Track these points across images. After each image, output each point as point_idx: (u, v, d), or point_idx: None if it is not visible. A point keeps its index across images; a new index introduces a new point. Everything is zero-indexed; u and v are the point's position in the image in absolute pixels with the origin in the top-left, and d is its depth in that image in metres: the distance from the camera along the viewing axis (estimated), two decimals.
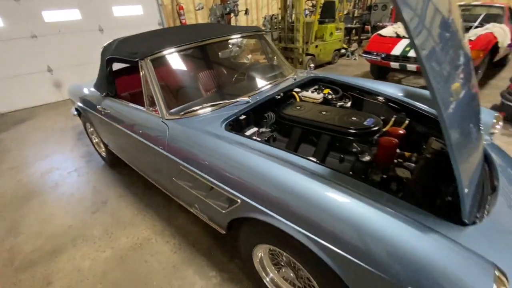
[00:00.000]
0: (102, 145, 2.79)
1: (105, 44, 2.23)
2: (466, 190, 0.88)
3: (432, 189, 1.23)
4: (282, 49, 6.30)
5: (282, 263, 1.34)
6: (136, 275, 1.73)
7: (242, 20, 7.24)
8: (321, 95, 2.02)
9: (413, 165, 1.38)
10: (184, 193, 1.60)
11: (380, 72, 5.02)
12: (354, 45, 7.96)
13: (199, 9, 5.50)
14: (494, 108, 3.41)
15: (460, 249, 0.81)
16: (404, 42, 4.19)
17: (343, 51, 7.21)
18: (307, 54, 6.02)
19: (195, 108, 1.64)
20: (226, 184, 1.23)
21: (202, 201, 1.46)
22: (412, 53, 4.01)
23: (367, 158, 1.47)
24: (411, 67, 4.06)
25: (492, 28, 4.00)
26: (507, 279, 0.77)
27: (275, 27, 6.61)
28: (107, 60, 2.08)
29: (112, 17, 5.62)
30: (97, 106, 2.25)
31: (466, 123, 1.08)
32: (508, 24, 4.47)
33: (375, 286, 0.87)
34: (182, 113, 1.63)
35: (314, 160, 1.22)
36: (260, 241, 1.29)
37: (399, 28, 4.79)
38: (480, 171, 1.23)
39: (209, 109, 1.66)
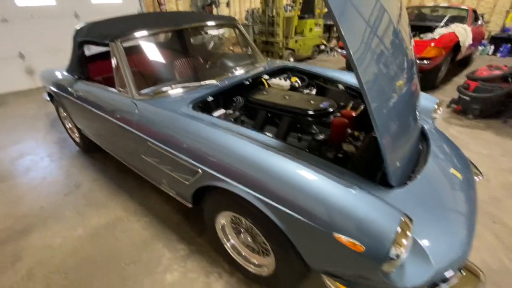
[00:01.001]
0: (75, 130, 2.79)
1: (77, 27, 2.24)
2: (389, 160, 1.04)
3: (373, 161, 1.40)
4: (263, 43, 6.40)
5: (241, 230, 1.47)
6: (107, 250, 1.80)
7: (224, 13, 7.26)
8: (288, 82, 2.16)
9: (360, 143, 1.55)
10: (152, 169, 1.69)
11: None
12: (334, 42, 8.20)
13: None
14: (452, 102, 3.71)
15: (377, 201, 0.96)
16: None
17: (322, 47, 7.42)
18: (287, 49, 6.16)
19: (164, 89, 1.72)
20: (189, 156, 1.33)
21: (168, 176, 1.55)
22: None
23: (321, 136, 1.63)
24: None
25: (455, 28, 4.31)
26: (412, 223, 0.93)
27: (257, 21, 6.69)
28: (79, 43, 2.10)
29: (89, 4, 5.48)
30: (69, 89, 2.26)
31: (405, 110, 1.27)
32: (471, 25, 4.81)
33: (308, 234, 1.02)
34: (151, 93, 1.70)
35: (270, 135, 1.35)
36: (221, 208, 1.40)
37: None
38: (414, 147, 1.41)
39: (178, 90, 1.74)
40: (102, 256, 1.76)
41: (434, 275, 1.00)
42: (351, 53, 0.90)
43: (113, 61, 1.79)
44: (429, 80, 4.37)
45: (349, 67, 5.31)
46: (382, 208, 0.94)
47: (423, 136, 1.63)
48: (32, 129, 3.55)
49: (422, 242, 1.04)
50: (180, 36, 2.43)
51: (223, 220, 1.50)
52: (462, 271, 1.10)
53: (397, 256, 0.88)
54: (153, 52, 2.01)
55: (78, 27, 2.23)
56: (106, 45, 1.80)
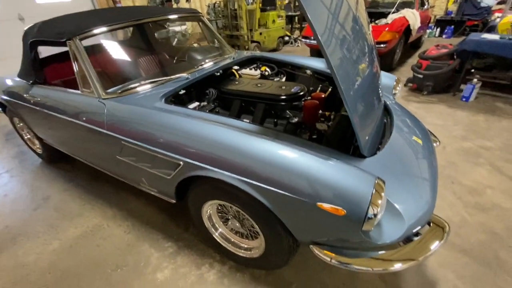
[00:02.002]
0: (36, 141, 2.58)
1: (26, 28, 2.06)
2: (360, 134, 1.14)
3: (345, 136, 1.50)
4: (228, 37, 6.36)
5: (228, 217, 1.50)
6: (89, 259, 1.72)
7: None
8: (258, 71, 2.20)
9: (331, 122, 1.64)
10: (130, 170, 1.63)
11: (319, 54, 5.44)
12: (297, 33, 8.38)
13: None
14: (408, 81, 4.02)
15: (353, 169, 1.04)
16: None
17: (286, 38, 7.56)
18: (252, 41, 6.19)
19: (132, 86, 1.67)
20: (167, 150, 1.32)
21: (148, 174, 1.52)
22: None
23: (295, 119, 1.70)
24: None
25: (405, 12, 4.65)
26: (384, 185, 1.02)
27: (219, 15, 6.61)
28: (30, 43, 1.93)
29: (34, 4, 5.00)
30: (25, 96, 2.08)
31: (369, 90, 1.38)
32: (418, 9, 5.22)
33: (295, 208, 1.07)
34: (120, 91, 1.64)
35: (247, 120, 1.38)
36: (206, 198, 1.41)
37: None
38: (380, 121, 1.53)
39: (148, 86, 1.70)
40: (84, 266, 1.68)
41: (407, 230, 1.11)
42: (319, 36, 0.96)
43: (73, 60, 1.69)
44: (387, 63, 4.68)
45: (314, 55, 5.50)
46: (358, 174, 1.02)
47: (386, 111, 1.77)
48: None
49: (394, 202, 1.15)
50: (143, 31, 2.35)
51: (209, 210, 1.51)
52: (430, 224, 1.23)
53: (374, 215, 0.97)
54: (116, 49, 1.93)
55: (27, 28, 2.06)
56: (63, 43, 1.69)
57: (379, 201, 0.97)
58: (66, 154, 2.33)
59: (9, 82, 2.32)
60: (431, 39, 7.41)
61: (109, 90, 1.65)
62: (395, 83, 2.01)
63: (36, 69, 2.01)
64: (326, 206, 1.00)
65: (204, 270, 1.60)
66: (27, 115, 2.24)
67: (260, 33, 6.31)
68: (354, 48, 1.27)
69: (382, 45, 4.20)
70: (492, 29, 4.49)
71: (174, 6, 6.20)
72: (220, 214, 1.56)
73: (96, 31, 1.72)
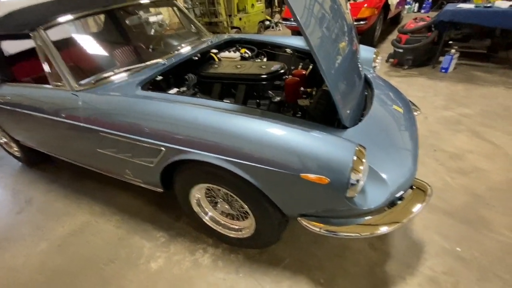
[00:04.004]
0: (12, 144, 2.47)
1: None
2: (342, 109, 1.16)
3: (327, 110, 1.50)
4: (207, 24, 6.18)
5: (218, 200, 1.49)
6: (79, 256, 1.69)
7: None
8: (238, 54, 2.15)
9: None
10: (112, 162, 1.59)
11: (300, 35, 5.38)
12: (277, 16, 8.24)
13: None
14: (390, 56, 4.05)
15: (334, 138, 1.05)
16: None
17: (267, 22, 7.42)
18: (233, 27, 6.05)
19: (106, 75, 1.60)
20: (148, 137, 1.28)
21: (131, 164, 1.48)
22: None
23: (278, 98, 1.68)
24: None
25: None
26: (365, 151, 1.03)
27: (196, 2, 6.40)
28: None
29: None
30: None
31: (349, 66, 1.39)
32: None
33: (281, 183, 1.08)
34: (93, 82, 1.57)
35: (228, 101, 1.35)
36: (193, 182, 1.40)
37: None
38: (361, 94, 1.54)
39: (123, 74, 1.63)
40: (75, 264, 1.65)
41: (391, 195, 1.14)
42: (298, 17, 0.96)
43: (40, 53, 1.60)
44: (368, 40, 4.68)
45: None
46: (338, 143, 1.03)
47: (367, 83, 1.78)
48: None
49: (377, 169, 1.17)
50: (116, 20, 2.23)
51: (197, 194, 1.50)
52: (412, 188, 1.26)
53: (357, 181, 0.98)
54: (87, 40, 1.85)
55: None
56: (27, 36, 1.59)
57: (361, 167, 0.98)
58: (46, 154, 2.24)
59: None
60: (410, 15, 7.44)
61: (82, 82, 1.58)
62: (374, 55, 2.01)
63: (2, 66, 1.90)
64: (309, 176, 1.00)
65: (198, 255, 1.61)
66: None
67: (240, 19, 6.17)
68: (333, 27, 1.27)
69: (362, 22, 4.19)
70: (467, 0, 4.54)
71: None
72: (209, 199, 1.55)
73: (61, 19, 1.62)
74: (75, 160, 1.96)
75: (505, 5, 3.08)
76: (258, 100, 1.74)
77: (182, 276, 1.51)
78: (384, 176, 1.16)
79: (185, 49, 2.00)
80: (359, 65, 1.64)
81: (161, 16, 3.02)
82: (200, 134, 1.16)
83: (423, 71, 3.73)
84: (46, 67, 1.61)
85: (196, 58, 1.96)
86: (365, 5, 4.22)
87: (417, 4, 7.61)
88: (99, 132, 1.45)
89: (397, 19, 6.33)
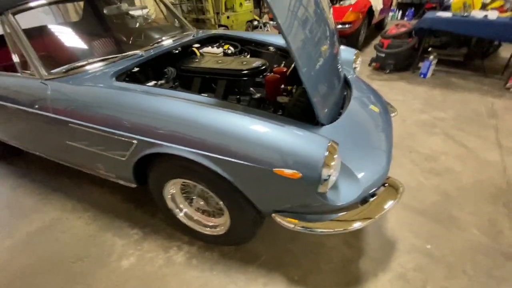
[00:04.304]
0: None
1: None
2: (319, 110, 1.19)
3: (307, 108, 1.51)
4: (194, 21, 6.11)
5: (193, 197, 1.46)
6: (47, 254, 1.61)
7: None
8: (221, 49, 2.12)
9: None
10: (83, 156, 1.53)
11: None
12: (266, 17, 8.26)
13: None
14: (372, 60, 4.15)
15: (307, 133, 1.05)
16: None
17: (255, 22, 7.42)
18: (220, 26, 6.01)
19: (79, 64, 1.53)
20: (119, 129, 1.24)
21: (102, 157, 1.42)
22: None
23: (258, 95, 1.67)
24: None
25: None
26: (338, 147, 1.04)
27: None
28: None
29: None
30: None
31: (329, 69, 1.42)
32: None
33: (254, 178, 1.07)
34: (65, 71, 1.50)
35: (205, 94, 1.33)
36: (166, 177, 1.36)
37: None
38: (339, 94, 1.56)
39: (98, 64, 1.57)
40: (42, 262, 1.57)
41: (363, 192, 1.15)
42: (279, 21, 0.99)
43: (8, 40, 1.51)
44: (352, 43, 4.77)
45: None
46: (311, 138, 1.03)
47: (346, 84, 1.80)
48: None
49: (351, 166, 1.18)
50: (96, 10, 2.15)
51: (172, 190, 1.46)
52: (385, 185, 1.28)
53: (329, 176, 0.99)
54: (62, 29, 1.79)
55: None
56: None
57: (332, 163, 0.99)
58: (15, 148, 2.12)
59: None
60: (394, 22, 7.67)
61: (53, 71, 1.50)
62: (354, 57, 2.04)
63: None
64: (282, 171, 0.99)
65: (172, 252, 1.57)
66: None
67: (228, 17, 6.13)
68: (315, 31, 1.28)
69: (347, 26, 4.27)
70: (447, 8, 4.73)
71: None
72: (185, 195, 1.51)
73: (32, 4, 1.54)
74: (45, 154, 1.86)
75: (480, 15, 3.23)
76: (238, 96, 1.73)
77: (154, 274, 1.47)
78: (357, 173, 1.18)
79: (166, 42, 1.96)
80: (339, 66, 1.66)
81: (146, 9, 2.94)
82: (172, 127, 1.13)
83: (404, 76, 3.84)
84: (13, 54, 1.53)
85: (177, 51, 1.92)
86: (350, 9, 4.30)
87: (400, 12, 7.85)
88: (69, 124, 1.38)
89: (381, 25, 6.51)
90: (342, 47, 2.12)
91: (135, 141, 1.22)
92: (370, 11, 4.81)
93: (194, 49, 2.05)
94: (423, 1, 7.41)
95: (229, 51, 2.16)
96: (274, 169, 1.00)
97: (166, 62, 1.85)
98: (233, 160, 1.05)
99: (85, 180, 2.13)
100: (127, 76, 1.58)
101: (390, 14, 7.74)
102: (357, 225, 1.13)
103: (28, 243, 1.68)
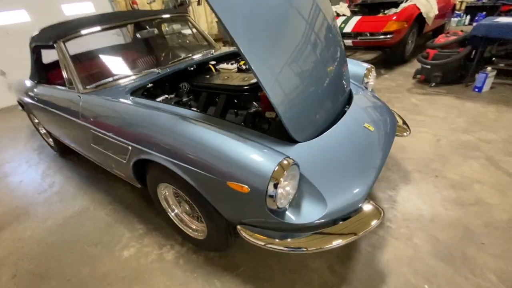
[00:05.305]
0: (48, 134, 2.93)
1: (32, 35, 2.37)
2: (284, 119, 1.20)
3: None
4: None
5: (181, 200, 1.59)
6: (72, 236, 1.94)
7: (196, 11, 7.30)
8: (235, 65, 2.26)
9: None
10: (102, 156, 1.81)
11: None
12: None
13: (150, 3, 5.59)
14: (417, 72, 3.78)
15: (263, 148, 1.08)
16: (340, 20, 4.48)
17: None
18: None
19: (105, 81, 1.84)
20: (120, 136, 1.46)
21: (113, 159, 1.67)
22: (346, 29, 4.31)
23: (253, 109, 1.74)
24: (348, 42, 4.37)
25: (417, 0, 4.35)
26: (291, 164, 1.03)
27: None
28: (32, 48, 2.23)
29: (63, 16, 5.62)
30: (31, 94, 2.40)
31: (316, 84, 1.41)
32: None
33: (213, 187, 1.14)
34: (95, 86, 1.82)
35: (195, 109, 1.46)
36: (157, 181, 1.52)
37: (340, 8, 5.09)
38: (331, 110, 1.51)
39: (121, 81, 1.86)
40: (66, 242, 1.90)
41: (329, 214, 1.10)
42: (240, 46, 1.05)
43: (60, 61, 1.92)
44: (397, 54, 4.43)
45: None
46: (265, 154, 1.05)
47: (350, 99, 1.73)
48: (13, 140, 3.72)
49: (318, 185, 1.14)
50: (126, 31, 2.54)
51: (165, 191, 1.62)
52: (363, 208, 1.19)
53: (276, 192, 0.99)
54: (102, 50, 2.15)
55: (33, 34, 2.36)
56: (51, 46, 1.92)
57: (282, 178, 0.99)
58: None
59: (24, 83, 2.68)
60: (460, 28, 6.79)
61: (88, 86, 1.84)
62: (366, 71, 1.94)
63: (39, 70, 2.31)
64: (234, 184, 1.04)
65: (165, 250, 1.72)
66: (36, 111, 2.57)
67: None
68: (288, 49, 1.27)
69: (388, 36, 3.99)
70: None
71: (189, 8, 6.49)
72: (177, 198, 1.66)
73: (78, 34, 1.92)
74: (82, 153, 2.25)
75: None
76: (236, 110, 1.82)
77: (145, 266, 1.63)
78: (324, 193, 1.13)
79: (184, 60, 2.19)
80: (338, 83, 1.62)
81: (179, 25, 3.31)
82: (153, 135, 1.28)
83: (453, 90, 3.39)
84: (64, 72, 1.92)
85: (192, 68, 2.12)
86: (394, 18, 4.02)
87: (468, 17, 6.91)
88: (90, 130, 1.68)
89: (441, 32, 5.84)
90: (354, 61, 2.03)
91: (130, 147, 1.42)
92: (420, 19, 4.39)
93: (210, 65, 2.24)
94: (497, 4, 6.40)
95: (244, 67, 2.28)
96: (227, 182, 1.06)
97: (183, 78, 2.06)
98: (194, 169, 1.14)
99: (112, 176, 2.48)
100: (144, 91, 1.83)
101: (456, 19, 6.89)
102: (338, 242, 1.08)
103: (61, 225, 2.05)
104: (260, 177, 0.99)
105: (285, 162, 1.02)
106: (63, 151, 3.01)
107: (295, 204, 1.11)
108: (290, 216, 1.09)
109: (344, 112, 1.64)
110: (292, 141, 1.26)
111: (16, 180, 2.74)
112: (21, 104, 2.90)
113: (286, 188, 1.05)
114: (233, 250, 1.63)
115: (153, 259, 1.67)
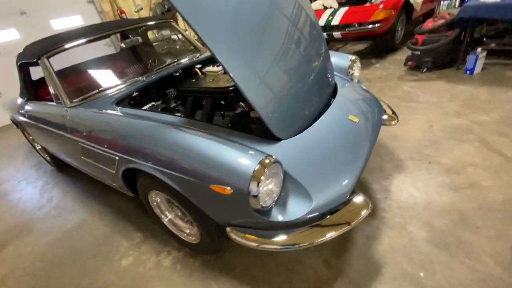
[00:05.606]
0: (44, 150, 2.95)
1: (19, 52, 2.39)
2: (265, 117, 1.20)
3: None
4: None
5: (173, 205, 1.60)
6: (72, 249, 1.96)
7: None
8: (221, 67, 2.26)
9: None
10: (93, 168, 1.82)
11: None
12: None
13: (138, 11, 5.60)
14: (408, 59, 3.75)
15: (244, 148, 1.08)
16: (328, 12, 4.46)
17: None
18: None
19: (91, 94, 1.85)
20: (106, 147, 1.46)
21: (103, 170, 1.68)
22: (334, 22, 4.29)
23: (239, 110, 1.74)
24: (337, 35, 4.35)
25: None
26: (272, 163, 1.03)
27: None
28: (19, 66, 2.25)
29: (52, 31, 5.64)
30: (21, 112, 2.42)
31: (295, 79, 1.41)
32: None
33: (197, 191, 1.14)
34: (81, 99, 1.83)
35: (179, 114, 1.46)
36: (147, 188, 1.53)
37: (326, 1, 5.07)
38: (313, 104, 1.51)
39: (106, 92, 1.87)
40: (66, 255, 1.91)
41: (315, 210, 1.10)
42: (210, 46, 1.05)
43: (45, 76, 1.93)
44: (387, 42, 4.41)
45: None
46: (246, 154, 1.05)
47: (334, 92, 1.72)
48: (11, 158, 3.75)
49: (303, 181, 1.14)
50: (123, 40, 2.55)
51: (156, 199, 1.62)
52: (351, 201, 1.19)
53: (260, 192, 0.99)
54: (90, 62, 2.16)
55: (19, 52, 2.38)
56: (36, 63, 1.94)
57: (262, 177, 0.99)
58: None
59: (15, 101, 2.70)
60: (451, 11, 6.73)
61: (74, 100, 1.85)
62: (350, 63, 1.93)
63: (27, 87, 2.33)
64: (217, 187, 1.04)
65: (162, 256, 1.73)
66: (28, 128, 2.59)
67: None
68: (264, 47, 1.28)
69: (376, 25, 3.97)
70: None
71: (178, 14, 6.47)
72: (170, 204, 1.67)
73: (61, 48, 1.93)
74: (75, 165, 2.26)
75: None
76: (222, 112, 1.83)
77: (143, 274, 1.64)
78: (309, 189, 1.13)
79: (169, 66, 2.19)
80: (320, 76, 1.61)
81: (168, 31, 3.31)
82: (135, 144, 1.29)
83: (444, 74, 3.37)
84: (50, 88, 1.94)
85: (177, 74, 2.12)
86: (381, 6, 3.99)
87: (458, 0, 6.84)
88: (79, 143, 1.69)
89: (430, 17, 5.79)
90: (337, 53, 2.03)
91: (117, 158, 1.43)
92: (408, 5, 4.36)
93: (196, 69, 2.24)
94: None
95: None
96: (210, 185, 1.06)
97: (170, 84, 2.06)
98: (178, 174, 1.14)
99: (108, 188, 2.49)
100: (131, 100, 1.84)
101: (445, 2, 6.82)
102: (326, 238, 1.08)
103: (61, 240, 2.07)
104: (241, 177, 1.00)
105: (267, 161, 1.02)
106: (59, 165, 3.03)
107: (281, 202, 1.11)
108: (276, 215, 1.09)
109: (330, 106, 1.64)
110: (276, 139, 1.26)
111: (15, 198, 2.76)
112: (14, 122, 2.92)
113: (269, 187, 1.05)
114: (229, 251, 1.63)
115: (150, 266, 1.68)
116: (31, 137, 3.03)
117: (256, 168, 0.99)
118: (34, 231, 2.22)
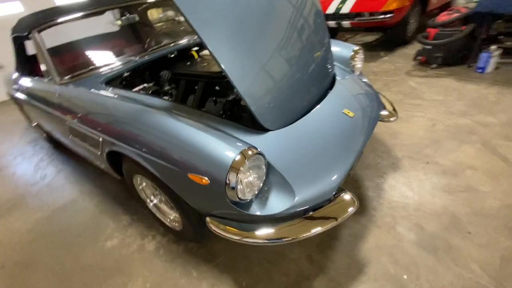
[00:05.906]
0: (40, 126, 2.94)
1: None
2: (260, 117, 1.16)
3: None
4: None
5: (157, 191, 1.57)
6: (59, 226, 1.97)
7: None
8: None
9: None
10: (81, 149, 1.79)
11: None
12: None
13: None
14: (417, 54, 3.59)
15: (224, 138, 1.03)
16: (338, 0, 4.27)
17: None
18: None
19: (80, 72, 1.79)
20: (91, 128, 1.42)
21: (90, 151, 1.65)
22: (344, 10, 4.11)
23: (232, 97, 1.67)
24: (346, 23, 4.18)
25: None
26: (254, 154, 0.98)
27: None
28: (12, 39, 2.19)
29: (54, 4, 5.54)
30: (15, 86, 2.39)
31: (288, 69, 1.33)
32: None
33: (176, 179, 1.11)
34: (71, 77, 1.78)
35: (166, 98, 1.41)
36: (131, 172, 1.50)
37: None
38: (309, 95, 1.44)
39: (98, 71, 1.81)
40: (54, 232, 1.92)
41: (297, 205, 1.05)
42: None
43: (36, 51, 1.87)
44: (399, 34, 4.23)
45: None
46: (227, 143, 1.00)
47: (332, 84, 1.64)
48: (9, 134, 3.76)
49: (287, 175, 1.09)
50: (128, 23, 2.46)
51: (142, 182, 1.60)
52: (336, 198, 1.14)
53: (238, 184, 0.94)
54: (73, 39, 2.09)
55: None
56: (27, 37, 1.88)
57: (242, 168, 0.94)
58: None
59: (12, 75, 2.66)
60: (470, 4, 6.40)
61: (65, 77, 1.80)
62: (352, 53, 1.83)
63: (21, 62, 2.28)
64: (194, 176, 1.00)
65: (147, 240, 1.72)
66: (22, 103, 2.56)
67: None
68: (255, 34, 1.20)
69: (388, 15, 3.78)
70: None
71: None
72: (154, 189, 1.64)
73: (53, 22, 1.87)
74: (66, 144, 2.23)
75: None
76: (214, 98, 1.76)
77: (127, 257, 1.64)
78: (293, 183, 1.08)
79: (164, 47, 2.11)
80: (323, 66, 1.53)
81: (172, 12, 3.19)
82: (117, 126, 1.24)
83: (454, 71, 3.22)
84: (40, 63, 1.88)
85: (172, 56, 2.05)
86: None
87: None
88: (66, 121, 1.65)
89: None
90: (340, 42, 1.93)
91: (101, 139, 1.39)
92: None
93: (193, 52, 2.16)
94: None
95: None
96: (188, 173, 1.02)
97: (165, 66, 1.99)
98: (157, 160, 1.10)
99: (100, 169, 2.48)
100: (123, 80, 1.78)
101: None
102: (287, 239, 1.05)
103: (50, 217, 2.08)
104: (219, 167, 0.95)
105: (249, 152, 0.97)
106: (56, 142, 3.02)
107: (261, 195, 1.07)
108: (255, 208, 1.05)
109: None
110: (264, 129, 1.21)
111: (9, 173, 2.78)
112: (12, 97, 2.90)
113: (250, 179, 1.00)
114: (213, 240, 1.61)
115: (134, 249, 1.68)
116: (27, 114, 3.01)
117: (236, 159, 0.94)
118: (24, 207, 2.23)
